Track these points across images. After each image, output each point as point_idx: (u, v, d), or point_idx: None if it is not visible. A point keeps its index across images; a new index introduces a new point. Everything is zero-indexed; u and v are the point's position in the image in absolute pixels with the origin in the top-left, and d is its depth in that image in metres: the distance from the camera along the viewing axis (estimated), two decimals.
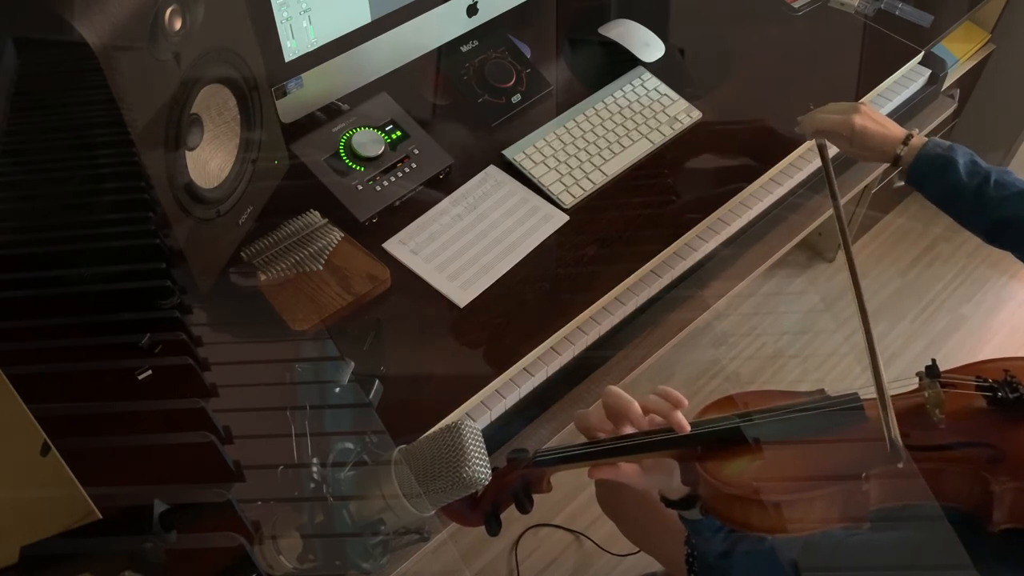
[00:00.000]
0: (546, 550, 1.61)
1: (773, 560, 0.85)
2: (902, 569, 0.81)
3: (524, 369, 1.00)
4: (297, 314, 0.95)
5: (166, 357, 0.88)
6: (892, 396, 0.76)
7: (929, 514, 0.76)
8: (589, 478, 0.80)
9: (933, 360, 0.81)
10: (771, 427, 0.79)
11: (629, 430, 0.81)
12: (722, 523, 0.80)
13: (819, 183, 1.29)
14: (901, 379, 0.80)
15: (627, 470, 0.79)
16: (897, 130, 1.05)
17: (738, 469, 0.76)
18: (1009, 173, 0.99)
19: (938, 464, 0.73)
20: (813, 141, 1.11)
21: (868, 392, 0.79)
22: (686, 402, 0.80)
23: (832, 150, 1.12)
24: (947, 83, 1.50)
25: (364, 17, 1.08)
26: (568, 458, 0.81)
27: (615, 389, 0.81)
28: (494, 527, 0.80)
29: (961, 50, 1.75)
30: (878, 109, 1.32)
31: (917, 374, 0.82)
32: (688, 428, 0.78)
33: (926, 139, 1.04)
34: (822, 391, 0.82)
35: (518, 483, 0.81)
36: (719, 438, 0.78)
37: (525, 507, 0.81)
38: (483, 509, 0.81)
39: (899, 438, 0.71)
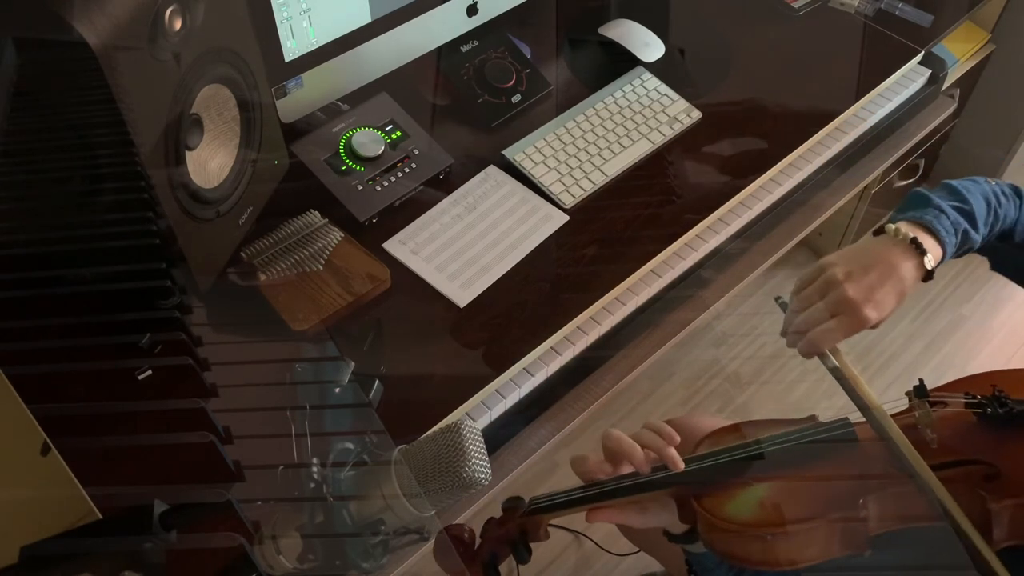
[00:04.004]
0: (546, 550, 1.61)
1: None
2: None
3: (524, 369, 1.00)
4: (297, 314, 0.95)
5: (166, 357, 0.88)
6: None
7: (936, 530, 0.76)
8: (588, 522, 0.80)
9: (921, 380, 0.79)
10: (764, 460, 0.78)
11: (627, 469, 0.80)
12: (721, 559, 0.80)
13: (819, 182, 1.29)
14: (891, 400, 0.79)
15: (626, 511, 0.79)
16: (896, 257, 0.79)
17: (734, 504, 0.75)
18: (981, 196, 0.86)
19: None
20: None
21: (858, 415, 0.79)
22: (678, 438, 0.78)
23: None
24: (947, 83, 1.50)
25: (364, 17, 1.08)
26: (564, 503, 0.80)
27: (615, 432, 0.79)
28: None
29: (961, 50, 1.75)
30: (878, 109, 1.33)
31: (907, 393, 0.81)
32: (682, 465, 0.77)
33: (921, 229, 0.83)
34: (813, 417, 0.81)
35: (515, 533, 0.80)
36: (712, 474, 0.78)
37: (523, 557, 0.80)
38: (481, 560, 0.80)
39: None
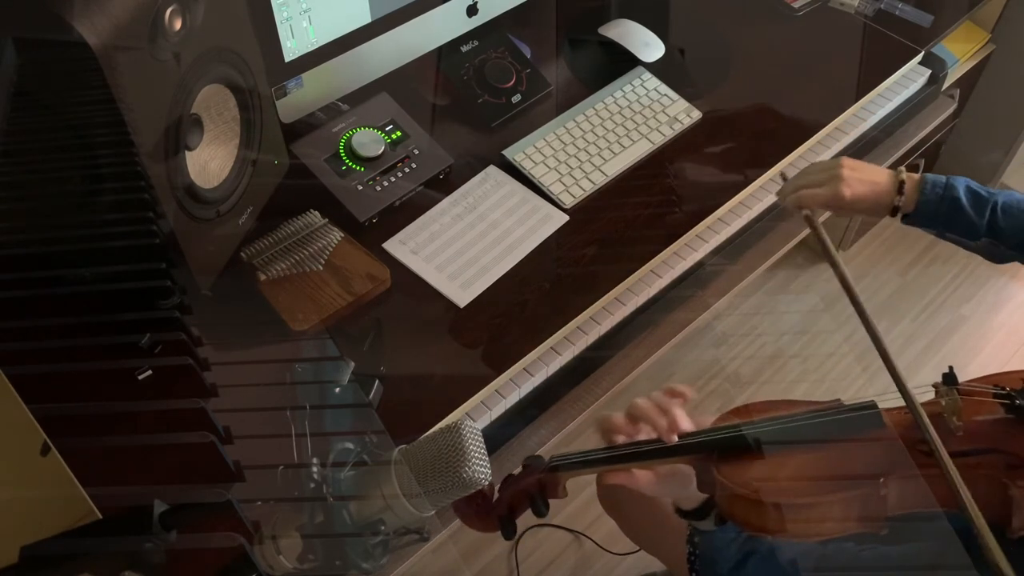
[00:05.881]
0: (546, 550, 1.61)
1: (788, 573, 0.85)
2: None
3: (524, 369, 1.00)
4: (297, 314, 0.95)
5: (166, 357, 0.88)
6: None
7: (940, 526, 0.76)
8: (604, 484, 0.81)
9: (950, 367, 0.81)
10: (788, 433, 0.79)
11: (647, 435, 0.81)
12: (740, 527, 0.81)
13: None
14: (916, 387, 0.80)
15: (642, 476, 0.80)
16: (885, 180, 0.96)
17: (756, 473, 0.76)
18: (1012, 194, 0.95)
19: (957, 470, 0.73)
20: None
21: (884, 403, 0.80)
22: (690, 396, 0.81)
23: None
24: (947, 83, 1.50)
25: (364, 17, 1.08)
26: (584, 463, 0.81)
27: (643, 400, 0.81)
28: (509, 531, 0.81)
29: (961, 50, 1.75)
30: (878, 109, 1.33)
31: (934, 385, 0.83)
32: (684, 425, 0.79)
33: (917, 178, 0.95)
34: (838, 400, 0.83)
35: (534, 488, 0.81)
36: (735, 443, 0.79)
37: (541, 511, 0.82)
38: (498, 514, 0.81)
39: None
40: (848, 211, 0.98)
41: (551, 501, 0.83)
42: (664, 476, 0.81)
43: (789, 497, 0.74)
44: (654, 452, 0.79)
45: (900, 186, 0.95)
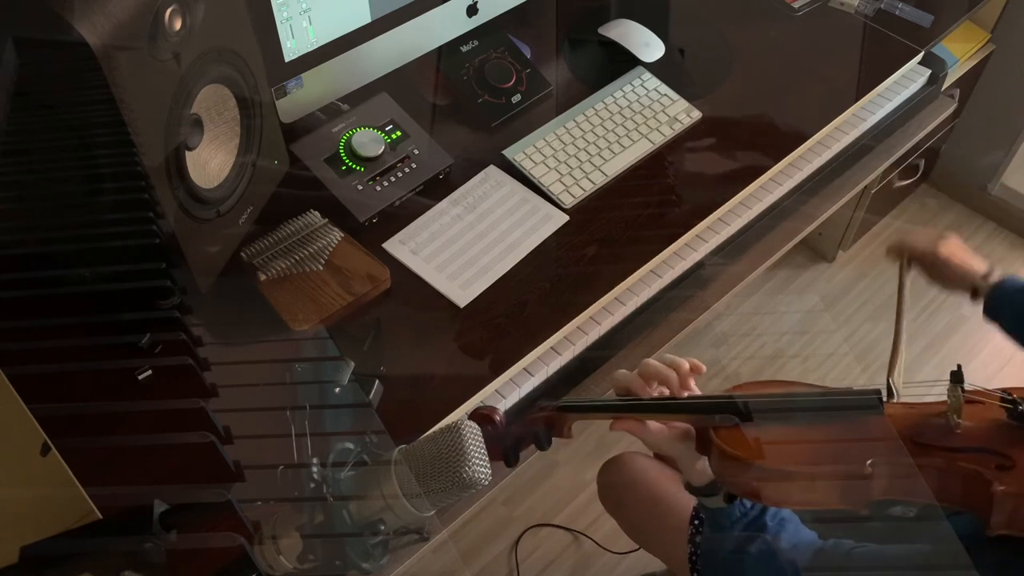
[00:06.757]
0: (546, 550, 1.61)
1: (787, 562, 0.85)
2: None
3: (524, 369, 1.00)
4: (297, 314, 0.95)
5: (166, 357, 0.88)
6: (919, 404, 0.80)
7: (939, 527, 0.78)
8: (611, 430, 0.83)
9: (959, 366, 0.83)
10: (787, 407, 0.81)
11: (660, 393, 0.84)
12: (729, 488, 0.83)
13: (818, 183, 1.29)
14: (929, 381, 0.82)
15: (655, 428, 0.82)
16: (979, 265, 1.08)
17: (747, 439, 0.78)
18: None
19: (946, 463, 0.75)
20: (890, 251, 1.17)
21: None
22: (703, 369, 0.84)
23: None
24: (947, 83, 1.50)
25: (364, 17, 1.08)
26: (593, 408, 0.84)
27: (654, 360, 0.84)
28: (511, 460, 0.84)
29: (961, 50, 1.75)
30: (878, 109, 1.33)
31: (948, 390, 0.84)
32: (690, 388, 0.82)
33: (1007, 276, 1.06)
34: (849, 389, 0.84)
35: (540, 425, 0.83)
36: (736, 408, 0.80)
37: (543, 445, 0.85)
38: (504, 445, 0.83)
39: (899, 382, 0.75)
40: (938, 268, 1.10)
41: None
42: (678, 433, 0.82)
43: (775, 463, 0.77)
44: (659, 406, 0.82)
45: (987, 274, 1.06)
